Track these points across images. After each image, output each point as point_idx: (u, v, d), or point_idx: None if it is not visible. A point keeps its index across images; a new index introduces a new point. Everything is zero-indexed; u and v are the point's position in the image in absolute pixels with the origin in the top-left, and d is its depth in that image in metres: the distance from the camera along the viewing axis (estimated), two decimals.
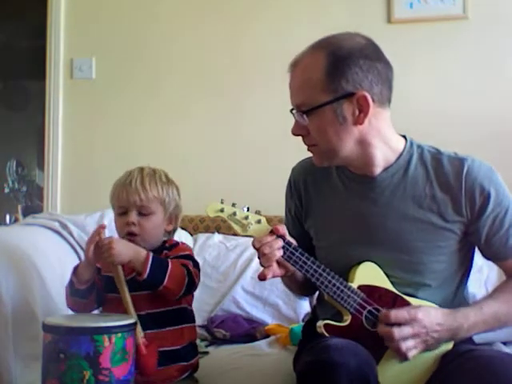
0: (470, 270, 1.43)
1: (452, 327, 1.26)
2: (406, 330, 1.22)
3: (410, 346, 1.23)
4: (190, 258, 1.49)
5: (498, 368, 1.16)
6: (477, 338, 1.43)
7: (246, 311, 2.12)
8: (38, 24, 3.07)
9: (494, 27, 2.53)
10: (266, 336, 1.94)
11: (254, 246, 1.28)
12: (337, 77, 1.27)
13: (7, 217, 4.14)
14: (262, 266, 1.29)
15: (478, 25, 2.54)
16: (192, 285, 1.43)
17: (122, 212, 1.49)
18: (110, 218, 2.20)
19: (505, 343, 1.84)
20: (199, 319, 2.07)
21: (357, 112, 1.28)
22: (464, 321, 1.27)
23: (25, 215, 3.81)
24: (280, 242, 1.28)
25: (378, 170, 1.35)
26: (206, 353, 1.79)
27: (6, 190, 4.64)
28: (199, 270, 1.49)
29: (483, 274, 2.04)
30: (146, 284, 1.38)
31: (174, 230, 1.59)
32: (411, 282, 1.34)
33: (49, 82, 2.90)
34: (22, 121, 4.47)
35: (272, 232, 1.29)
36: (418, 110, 2.47)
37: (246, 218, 1.32)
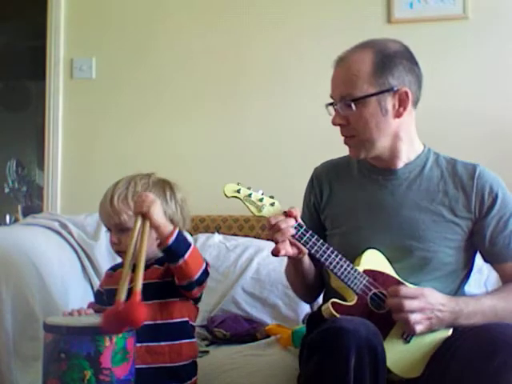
0: (469, 274, 1.52)
1: (454, 310, 1.33)
2: (415, 304, 1.30)
3: (417, 320, 1.30)
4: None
5: (498, 330, 1.23)
6: None
7: (246, 311, 2.12)
8: (37, 24, 3.07)
9: (494, 27, 2.53)
10: (267, 336, 1.93)
11: (270, 223, 1.34)
12: (384, 72, 1.40)
13: (7, 217, 4.14)
14: (275, 241, 1.35)
15: (478, 25, 2.54)
16: (206, 274, 1.40)
17: (107, 229, 1.50)
18: None
19: None
20: (199, 319, 2.07)
21: (397, 106, 1.41)
22: (464, 306, 1.35)
23: (25, 215, 3.80)
24: (293, 221, 1.35)
25: (400, 163, 1.48)
26: (207, 352, 1.79)
27: (6, 190, 4.64)
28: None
29: (483, 275, 2.04)
30: (169, 253, 1.34)
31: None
32: (418, 268, 1.42)
33: (49, 81, 2.89)
34: (22, 121, 4.47)
35: (285, 214, 1.36)
36: (418, 110, 2.47)
37: (261, 200, 1.38)
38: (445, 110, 2.53)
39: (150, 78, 2.81)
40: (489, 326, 1.28)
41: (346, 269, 1.37)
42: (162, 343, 1.40)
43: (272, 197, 1.40)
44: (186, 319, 1.45)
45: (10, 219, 4.09)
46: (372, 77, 1.39)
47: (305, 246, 1.37)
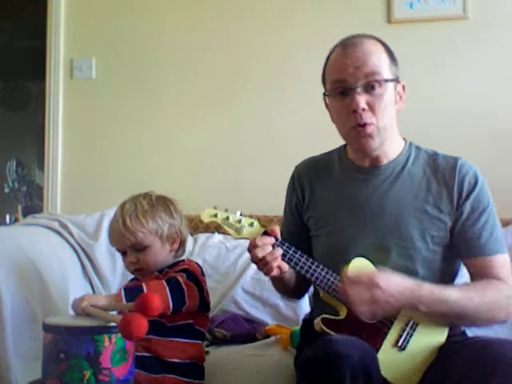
0: (457, 272, 1.49)
1: (413, 296, 1.29)
2: (362, 291, 1.25)
3: (364, 309, 1.25)
4: (185, 270, 1.49)
5: (497, 350, 1.19)
6: (469, 331, 1.47)
7: (246, 312, 2.12)
8: (38, 24, 3.07)
9: (494, 27, 2.53)
10: (267, 337, 1.93)
11: (249, 251, 1.32)
12: (394, 62, 1.44)
13: (7, 217, 4.14)
14: (259, 269, 1.33)
15: (478, 25, 2.54)
16: (180, 291, 1.42)
17: (121, 252, 1.54)
18: (109, 219, 2.20)
19: None
20: None
21: (398, 98, 1.45)
22: (428, 294, 1.29)
23: (25, 215, 3.81)
24: (273, 240, 1.32)
25: (384, 160, 1.46)
26: (207, 352, 1.79)
27: (6, 190, 4.64)
28: (198, 279, 1.49)
29: None
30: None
31: (183, 242, 1.59)
32: (403, 266, 1.38)
33: (49, 81, 2.89)
34: (22, 121, 4.46)
35: (265, 233, 1.34)
36: (418, 110, 2.47)
37: (239, 221, 1.37)
38: (445, 109, 2.53)
39: (150, 78, 2.81)
40: (488, 342, 1.25)
41: (333, 282, 1.34)
42: (169, 339, 1.44)
43: (250, 217, 1.38)
44: (191, 322, 1.48)
45: (10, 219, 4.09)
46: (389, 64, 1.41)
47: (289, 263, 1.34)
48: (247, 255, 2.23)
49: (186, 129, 2.77)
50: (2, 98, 4.61)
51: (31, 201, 4.61)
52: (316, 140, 2.52)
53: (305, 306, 2.09)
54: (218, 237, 2.36)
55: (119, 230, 1.50)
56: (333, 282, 1.34)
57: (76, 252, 2.04)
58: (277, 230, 1.34)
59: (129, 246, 1.50)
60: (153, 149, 2.78)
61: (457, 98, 2.54)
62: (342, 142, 1.55)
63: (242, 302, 2.13)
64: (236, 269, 2.21)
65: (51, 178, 2.87)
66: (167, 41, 2.81)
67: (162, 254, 1.53)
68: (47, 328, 1.26)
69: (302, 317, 2.06)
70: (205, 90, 2.75)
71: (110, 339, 1.23)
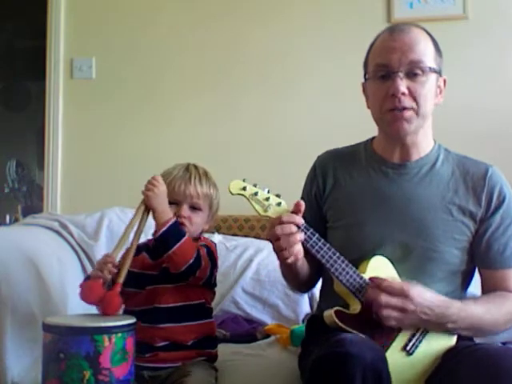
0: (472, 277, 1.48)
1: (443, 315, 1.29)
2: (393, 301, 1.25)
3: (391, 316, 1.26)
4: (205, 246, 1.53)
5: (503, 358, 1.19)
6: (477, 339, 1.45)
7: (246, 312, 2.11)
8: (37, 24, 3.07)
9: (494, 27, 2.54)
10: (267, 336, 1.93)
11: (282, 222, 1.28)
12: (439, 54, 1.43)
13: (7, 217, 4.14)
14: (280, 248, 1.28)
15: (478, 25, 2.54)
16: (197, 266, 1.45)
17: (172, 203, 1.54)
18: (109, 219, 2.20)
19: (504, 343, 1.83)
20: None
21: (439, 92, 1.44)
22: (456, 312, 1.30)
23: (25, 215, 3.81)
24: (301, 220, 1.29)
25: (415, 156, 1.45)
26: None
27: (6, 190, 4.65)
28: (214, 260, 1.53)
29: None
30: (158, 242, 1.43)
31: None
32: (423, 267, 1.38)
33: (49, 82, 2.90)
34: (22, 121, 4.47)
35: (293, 213, 1.31)
36: None
37: (267, 199, 1.33)
38: (444, 109, 2.52)
39: (150, 78, 2.82)
40: (493, 350, 1.24)
41: (351, 276, 1.32)
42: (183, 324, 1.49)
43: (278, 195, 1.34)
44: (203, 301, 1.54)
45: (10, 219, 4.09)
46: (435, 54, 1.41)
47: (311, 249, 1.31)
48: (247, 255, 2.27)
49: (187, 128, 2.77)
50: (2, 98, 4.62)
51: (31, 201, 4.61)
52: (314, 133, 2.53)
53: (304, 305, 2.09)
54: (218, 237, 2.36)
55: (193, 182, 1.56)
56: (351, 276, 1.32)
57: (76, 252, 2.04)
58: (302, 203, 1.31)
59: (188, 200, 1.54)
60: (152, 148, 2.78)
61: (456, 97, 2.53)
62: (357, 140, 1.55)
63: (242, 302, 2.13)
64: (236, 269, 2.21)
65: (51, 177, 2.87)
66: (167, 40, 2.81)
67: (201, 225, 1.58)
68: (47, 328, 1.26)
69: (301, 317, 2.06)
70: (206, 89, 2.76)
71: (109, 339, 1.23)
